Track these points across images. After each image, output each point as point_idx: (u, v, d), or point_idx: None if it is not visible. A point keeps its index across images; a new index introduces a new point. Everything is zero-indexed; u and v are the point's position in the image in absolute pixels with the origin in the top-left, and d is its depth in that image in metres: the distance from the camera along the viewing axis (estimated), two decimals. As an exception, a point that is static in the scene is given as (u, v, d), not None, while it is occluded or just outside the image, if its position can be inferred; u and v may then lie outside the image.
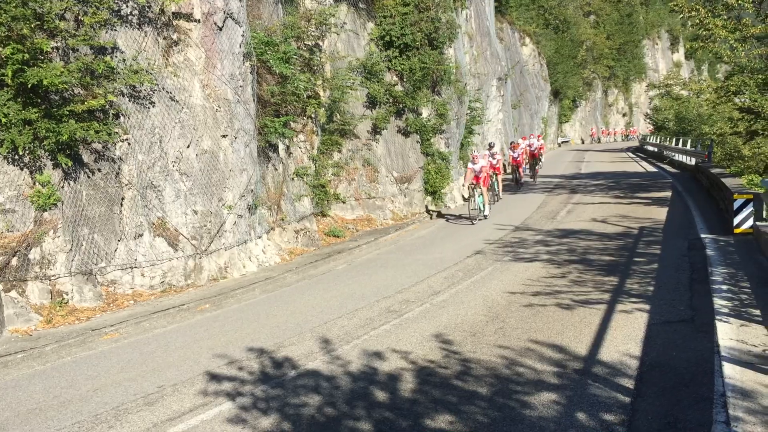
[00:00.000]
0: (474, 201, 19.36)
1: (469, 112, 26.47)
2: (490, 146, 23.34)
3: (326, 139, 17.70)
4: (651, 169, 35.49)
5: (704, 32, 19.82)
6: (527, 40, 46.66)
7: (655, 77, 75.34)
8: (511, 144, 29.37)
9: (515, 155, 27.87)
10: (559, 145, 59.92)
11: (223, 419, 6.07)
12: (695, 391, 6.16)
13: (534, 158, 30.70)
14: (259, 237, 14.07)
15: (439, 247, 15.50)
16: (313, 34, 16.82)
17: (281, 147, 15.64)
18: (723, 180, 18.14)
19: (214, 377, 7.25)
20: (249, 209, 13.54)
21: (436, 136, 22.18)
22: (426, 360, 7.44)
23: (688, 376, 6.58)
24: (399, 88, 20.33)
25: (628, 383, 6.45)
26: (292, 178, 16.11)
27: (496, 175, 22.89)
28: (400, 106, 20.36)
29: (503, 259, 13.28)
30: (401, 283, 11.66)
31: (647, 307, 9.12)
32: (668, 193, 23.20)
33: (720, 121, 28.87)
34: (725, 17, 19.56)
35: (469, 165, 19.70)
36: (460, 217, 20.45)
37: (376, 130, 19.53)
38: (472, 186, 19.34)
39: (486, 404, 6.07)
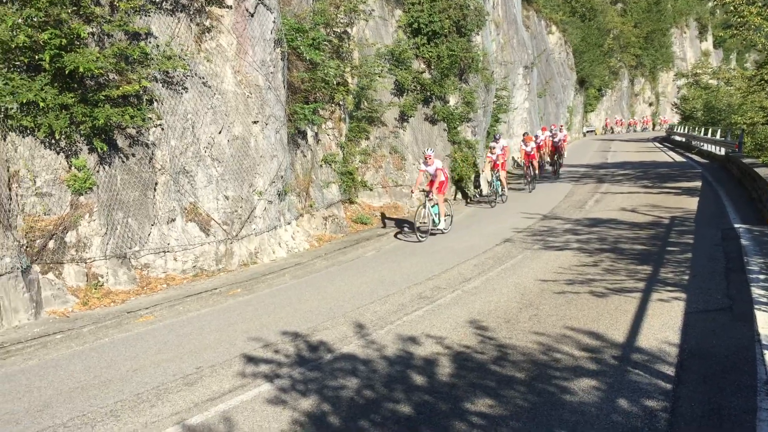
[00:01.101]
0: (424, 210, 15.35)
1: (495, 100, 26.32)
2: (496, 138, 21.77)
3: (354, 126, 17.70)
4: (679, 159, 35.09)
5: (738, 20, 19.50)
6: (554, 28, 46.22)
7: (682, 66, 74.27)
8: (523, 136, 25.63)
9: (528, 149, 24.55)
10: (584, 135, 59.39)
11: (263, 400, 6.12)
12: (737, 379, 6.10)
13: (557, 151, 28.32)
14: (289, 223, 14.13)
15: (467, 235, 15.45)
16: (342, 20, 16.79)
17: (310, 134, 15.68)
18: (756, 170, 17.87)
19: (251, 359, 7.30)
20: (279, 195, 13.60)
21: (463, 124, 22.08)
22: (461, 345, 7.44)
23: (729, 364, 6.52)
24: (426, 75, 20.25)
25: (669, 370, 6.40)
26: (321, 165, 16.15)
27: (497, 171, 20.68)
28: (428, 93, 20.30)
29: (533, 248, 13.22)
30: (431, 270, 11.66)
31: (683, 295, 9.04)
32: (698, 183, 22.92)
33: (751, 111, 28.36)
34: (760, 4, 19.21)
35: (421, 166, 15.89)
36: (487, 203, 20.45)
37: (403, 118, 19.49)
38: (424, 193, 15.62)
39: (525, 389, 6.06)
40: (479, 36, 23.58)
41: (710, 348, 7.00)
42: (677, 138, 46.71)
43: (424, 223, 15.29)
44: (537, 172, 25.41)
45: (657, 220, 15.66)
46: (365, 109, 17.92)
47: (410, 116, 19.63)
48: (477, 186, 22.94)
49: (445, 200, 16.33)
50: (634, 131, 68.93)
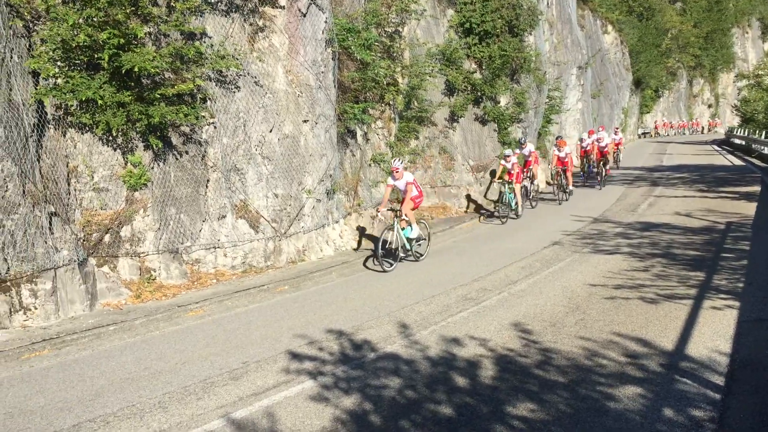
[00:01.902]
0: (392, 234, 12.65)
1: (547, 101, 26.00)
2: (521, 143, 19.93)
3: (403, 126, 17.72)
4: (738, 162, 34.06)
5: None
6: (609, 27, 45.34)
7: (744, 67, 72.05)
8: (556, 140, 22.28)
9: (561, 155, 21.31)
10: (640, 137, 58.13)
11: (306, 396, 6.20)
12: (790, 392, 5.92)
13: (603, 157, 25.21)
14: (336, 221, 14.25)
15: (514, 237, 15.33)
16: (393, 20, 16.85)
17: (359, 133, 15.77)
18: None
19: (296, 356, 7.40)
20: (327, 194, 13.72)
21: (514, 124, 21.90)
22: (505, 348, 7.40)
23: (782, 375, 6.33)
24: (477, 75, 20.14)
25: (718, 380, 6.25)
26: (369, 165, 16.23)
27: (512, 182, 17.87)
28: (478, 93, 20.18)
29: (582, 251, 13.03)
30: (477, 272, 11.60)
31: (737, 303, 8.79)
32: (757, 188, 22.21)
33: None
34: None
35: (389, 180, 13.09)
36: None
37: (453, 118, 19.43)
38: (393, 213, 12.94)
39: (568, 394, 6.00)
40: (532, 36, 23.33)
41: (763, 358, 6.81)
42: (736, 141, 45.35)
43: (392, 249, 12.59)
44: (567, 184, 21.69)
45: (712, 225, 15.25)
46: (415, 109, 17.91)
47: (460, 116, 19.56)
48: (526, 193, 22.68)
49: (421, 220, 13.68)
50: (683, 134, 66.30)
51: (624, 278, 10.55)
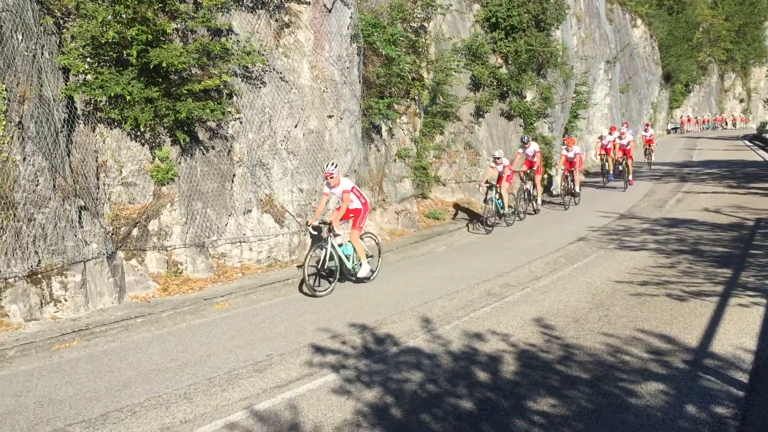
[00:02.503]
0: (325, 251, 10.50)
1: (574, 95, 25.77)
2: (524, 142, 17.86)
3: (428, 121, 17.71)
4: (769, 158, 33.51)
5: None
6: (639, 21, 44.76)
7: (776, 61, 70.64)
8: (564, 138, 21.18)
9: (570, 155, 19.72)
10: (669, 132, 57.34)
11: (329, 389, 6.26)
12: (816, 391, 5.84)
13: (625, 155, 23.69)
14: (361, 216, 14.28)
15: (539, 233, 15.27)
16: (419, 15, 16.83)
17: (384, 128, 15.80)
18: None
19: (319, 349, 7.48)
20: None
21: (540, 120, 21.76)
22: (527, 343, 7.40)
23: (808, 374, 6.25)
24: (503, 70, 20.05)
25: (742, 377, 6.19)
26: (394, 160, 16.25)
27: (500, 187, 16.31)
28: (504, 88, 20.08)
29: (608, 247, 12.95)
30: (501, 267, 11.59)
31: (764, 301, 8.68)
32: (789, 184, 21.87)
33: None
34: None
35: (324, 189, 11.08)
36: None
37: (478, 113, 19.36)
38: (325, 227, 10.81)
39: (590, 390, 5.99)
40: (559, 30, 23.14)
41: (790, 357, 6.73)
42: (768, 136, 44.56)
43: (324, 268, 10.51)
44: (573, 187, 19.88)
45: (741, 222, 15.05)
46: (440, 104, 17.89)
47: (486, 111, 19.48)
48: (549, 185, 22.54)
49: (365, 236, 11.51)
50: (711, 129, 64.34)
51: (649, 275, 10.47)
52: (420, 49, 16.98)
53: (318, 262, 10.41)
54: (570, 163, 19.73)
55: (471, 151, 19.12)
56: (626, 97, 38.60)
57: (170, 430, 5.49)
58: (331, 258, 10.54)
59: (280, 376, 6.68)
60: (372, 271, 11.23)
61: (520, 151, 18.01)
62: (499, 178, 16.22)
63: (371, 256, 11.39)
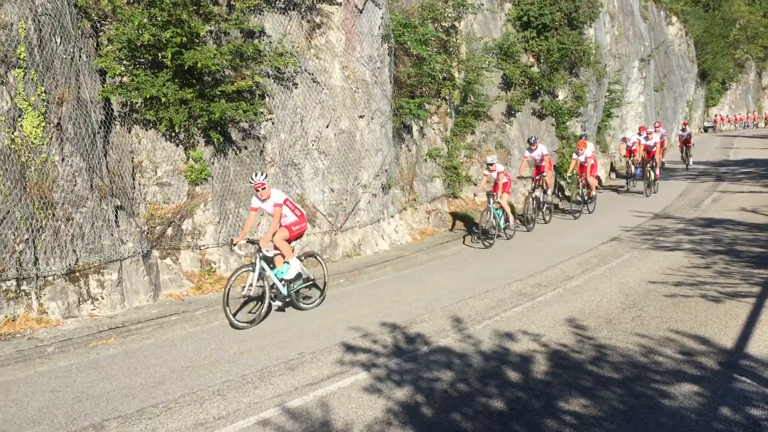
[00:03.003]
0: (253, 275, 8.88)
1: (607, 94, 25.51)
2: (531, 143, 16.32)
3: (459, 120, 17.69)
4: (810, 157, 32.74)
5: None
6: (674, 18, 44.09)
7: (817, 58, 68.81)
8: (579, 141, 18.41)
9: (581, 159, 17.79)
10: (704, 131, 56.28)
11: (359, 388, 6.31)
12: None
13: (651, 158, 21.43)
14: (392, 216, 14.35)
15: (572, 233, 15.15)
16: (450, 15, 16.82)
17: (415, 128, 15.83)
18: None
19: (350, 348, 7.52)
20: (383, 189, 13.82)
21: (572, 119, 21.59)
22: (559, 344, 7.36)
23: None
24: (535, 69, 19.94)
25: (779, 380, 6.09)
26: (425, 159, 16.26)
27: (498, 196, 14.51)
28: (536, 87, 19.98)
29: (641, 247, 12.80)
30: (533, 267, 11.53)
31: (802, 302, 8.52)
32: (829, 184, 21.37)
33: None
34: None
35: (253, 201, 9.47)
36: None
37: (510, 112, 19.28)
38: (253, 245, 9.37)
39: (622, 391, 5.94)
40: (592, 28, 22.93)
41: (828, 359, 6.59)
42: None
43: (249, 295, 9.11)
44: (588, 190, 18.14)
45: (780, 222, 14.76)
46: (471, 104, 17.86)
47: (517, 110, 19.40)
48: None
49: (305, 256, 9.98)
50: (744, 127, 61.88)
51: (684, 275, 10.33)
52: (451, 49, 16.97)
53: (250, 287, 8.87)
54: (582, 167, 17.94)
55: (502, 150, 19.04)
56: (661, 95, 38.05)
57: (204, 426, 5.58)
58: (260, 279, 8.97)
59: (312, 374, 6.74)
60: (316, 300, 9.80)
61: (527, 154, 16.52)
62: (495, 186, 14.57)
63: (310, 280, 9.96)
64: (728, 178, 24.00)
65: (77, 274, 8.96)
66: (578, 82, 21.63)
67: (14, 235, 8.21)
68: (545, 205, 16.99)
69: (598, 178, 20.21)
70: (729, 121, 60.06)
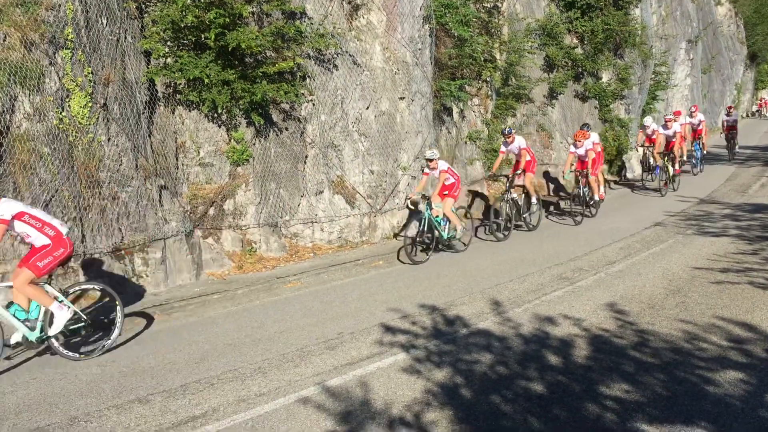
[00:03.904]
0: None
1: (653, 76, 24.94)
2: (505, 136, 14.05)
3: (500, 103, 17.49)
4: None
5: None
6: (723, -2, 42.85)
7: None
8: (578, 131, 16.02)
9: (581, 152, 15.09)
10: (752, 115, 54.63)
11: (398, 368, 6.33)
12: None
13: (670, 151, 18.56)
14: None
15: (613, 217, 14.92)
16: (492, -5, 16.59)
17: (455, 110, 15.71)
18: None
19: (389, 329, 7.55)
20: (422, 171, 13.76)
21: (616, 101, 21.18)
22: (600, 328, 7.27)
23: None
24: (579, 50, 19.59)
25: (828, 369, 5.94)
26: (465, 142, 16.15)
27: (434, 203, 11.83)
28: (579, 69, 19.64)
29: (686, 233, 12.55)
30: (573, 251, 11.41)
31: None
32: None
33: None
34: None
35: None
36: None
37: (552, 95, 19.00)
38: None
39: (665, 377, 5.85)
40: (638, 8, 22.41)
41: None
42: None
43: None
44: (592, 191, 15.27)
45: (831, 209, 14.33)
46: (513, 86, 17.63)
47: (560, 93, 19.10)
48: (622, 168, 21.89)
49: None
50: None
51: (730, 261, 10.11)
52: (493, 30, 16.75)
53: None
54: (582, 163, 15.22)
55: (544, 133, 18.79)
56: (708, 77, 37.10)
57: (246, 402, 5.67)
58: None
59: (351, 354, 6.78)
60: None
61: (503, 148, 14.18)
62: (443, 190, 11.84)
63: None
64: (778, 163, 23.37)
65: (122, 251, 9.15)
66: (623, 63, 21.19)
67: (62, 213, 8.41)
68: (530, 211, 14.20)
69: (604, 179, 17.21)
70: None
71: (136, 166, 9.47)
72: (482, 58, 15.57)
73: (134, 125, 9.51)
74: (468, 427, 5.08)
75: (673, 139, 18.64)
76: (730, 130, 25.17)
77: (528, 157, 13.95)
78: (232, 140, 10.99)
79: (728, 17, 43.96)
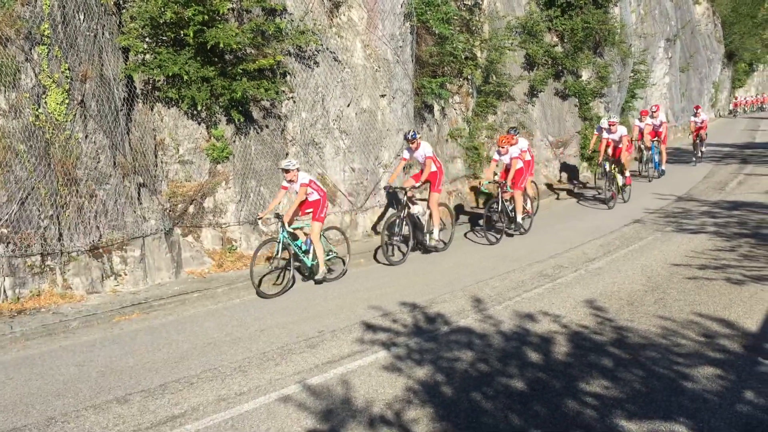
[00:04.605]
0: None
1: (632, 75, 25.12)
2: (408, 142, 11.50)
3: (481, 100, 17.51)
4: (838, 140, 32.13)
5: None
6: (701, -3, 43.27)
7: None
8: (502, 136, 13.53)
9: (504, 159, 12.88)
10: (729, 114, 55.18)
11: (379, 366, 6.32)
12: None
13: (617, 159, 16.44)
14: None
15: (593, 215, 15.03)
16: (473, -7, 16.61)
17: (436, 108, 15.71)
18: None
19: (370, 327, 7.54)
20: (403, 169, 13.75)
21: (596, 99, 21.30)
22: (580, 325, 7.32)
23: None
24: (559, 49, 19.67)
25: (804, 364, 6.02)
26: (447, 140, 16.16)
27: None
28: (559, 67, 19.72)
29: (664, 230, 12.66)
30: (554, 249, 11.46)
31: (829, 287, 8.39)
32: None
33: None
34: None
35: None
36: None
37: (532, 93, 19.06)
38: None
39: (644, 373, 5.90)
40: (617, 7, 22.56)
41: None
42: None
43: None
44: (515, 210, 12.84)
45: (807, 206, 14.51)
46: (493, 84, 17.65)
47: (540, 91, 19.17)
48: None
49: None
50: (759, 110, 56.93)
51: (708, 258, 10.21)
52: (473, 28, 16.76)
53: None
54: (507, 171, 12.97)
55: (524, 131, 18.83)
56: (687, 76, 37.45)
57: (226, 401, 5.63)
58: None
59: (332, 352, 6.77)
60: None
61: (406, 155, 11.76)
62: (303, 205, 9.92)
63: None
64: (754, 161, 23.62)
65: (100, 250, 9.06)
66: (602, 62, 21.31)
67: (39, 211, 8.30)
68: (432, 235, 11.62)
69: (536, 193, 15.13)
70: (746, 104, 55.18)
71: (114, 163, 9.37)
72: (463, 56, 15.58)
73: (112, 122, 9.41)
74: (449, 425, 5.09)
75: (620, 145, 16.60)
76: (699, 131, 23.06)
77: (433, 168, 11.42)
78: (212, 137, 10.90)
79: (706, 16, 44.42)
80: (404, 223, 11.32)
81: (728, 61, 51.89)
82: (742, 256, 10.27)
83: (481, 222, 12.69)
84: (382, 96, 13.10)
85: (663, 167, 20.29)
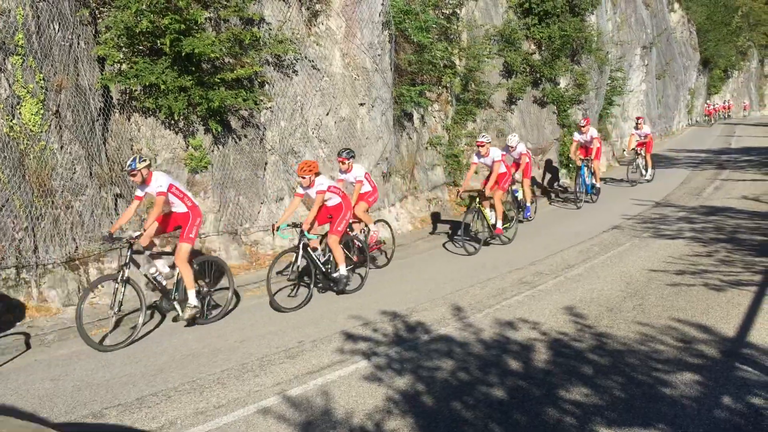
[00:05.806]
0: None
1: (609, 82, 25.40)
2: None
3: (460, 108, 17.58)
4: (812, 145, 32.57)
5: None
6: (676, 5, 43.83)
7: (820, 45, 68.38)
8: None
9: (482, 160, 12.82)
10: (705, 122, 55.72)
11: (360, 376, 6.29)
12: None
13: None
14: (393, 204, 14.31)
15: (573, 221, 15.11)
16: (451, 2, 16.71)
17: (416, 116, 15.75)
18: None
19: (350, 336, 7.51)
20: (383, 177, 13.77)
21: (574, 106, 21.48)
22: (559, 332, 7.33)
23: None
24: (536, 56, 19.83)
25: (781, 368, 6.07)
26: (426, 147, 16.20)
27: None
28: (537, 75, 19.88)
29: (642, 236, 12.76)
30: (534, 255, 11.50)
31: (804, 291, 8.48)
32: (832, 172, 21.29)
33: None
34: None
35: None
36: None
37: (511, 100, 19.18)
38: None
39: (623, 379, 5.92)
40: (594, 15, 22.80)
41: (831, 348, 6.56)
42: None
43: None
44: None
45: (781, 210, 14.70)
46: (472, 92, 17.75)
47: (518, 98, 19.30)
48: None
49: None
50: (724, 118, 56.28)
51: (686, 263, 10.29)
52: (452, 36, 16.86)
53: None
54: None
55: (503, 138, 18.93)
56: (663, 83, 37.90)
57: (204, 414, 5.57)
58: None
59: (312, 363, 6.72)
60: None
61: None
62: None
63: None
64: (730, 167, 23.92)
65: (77, 262, 8.94)
66: (580, 69, 21.52)
67: (13, 223, 8.18)
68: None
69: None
70: (715, 111, 52.80)
71: (91, 174, 9.27)
72: (442, 64, 15.66)
73: (88, 133, 9.31)
74: (429, 435, 5.06)
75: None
76: (641, 145, 20.67)
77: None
78: (190, 147, 10.82)
79: (681, 24, 45.02)
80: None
81: (704, 68, 52.57)
82: (719, 261, 10.37)
83: (459, 232, 12.61)
84: (362, 104, 13.11)
85: (598, 184, 18.16)
